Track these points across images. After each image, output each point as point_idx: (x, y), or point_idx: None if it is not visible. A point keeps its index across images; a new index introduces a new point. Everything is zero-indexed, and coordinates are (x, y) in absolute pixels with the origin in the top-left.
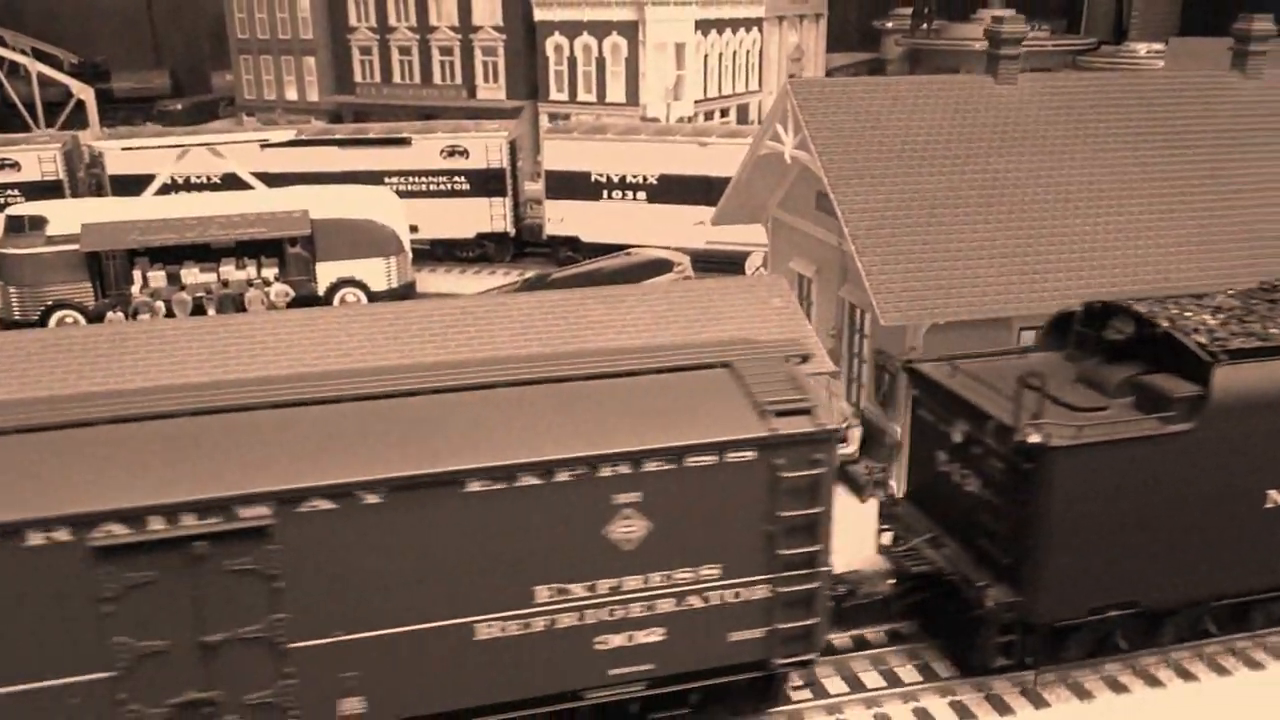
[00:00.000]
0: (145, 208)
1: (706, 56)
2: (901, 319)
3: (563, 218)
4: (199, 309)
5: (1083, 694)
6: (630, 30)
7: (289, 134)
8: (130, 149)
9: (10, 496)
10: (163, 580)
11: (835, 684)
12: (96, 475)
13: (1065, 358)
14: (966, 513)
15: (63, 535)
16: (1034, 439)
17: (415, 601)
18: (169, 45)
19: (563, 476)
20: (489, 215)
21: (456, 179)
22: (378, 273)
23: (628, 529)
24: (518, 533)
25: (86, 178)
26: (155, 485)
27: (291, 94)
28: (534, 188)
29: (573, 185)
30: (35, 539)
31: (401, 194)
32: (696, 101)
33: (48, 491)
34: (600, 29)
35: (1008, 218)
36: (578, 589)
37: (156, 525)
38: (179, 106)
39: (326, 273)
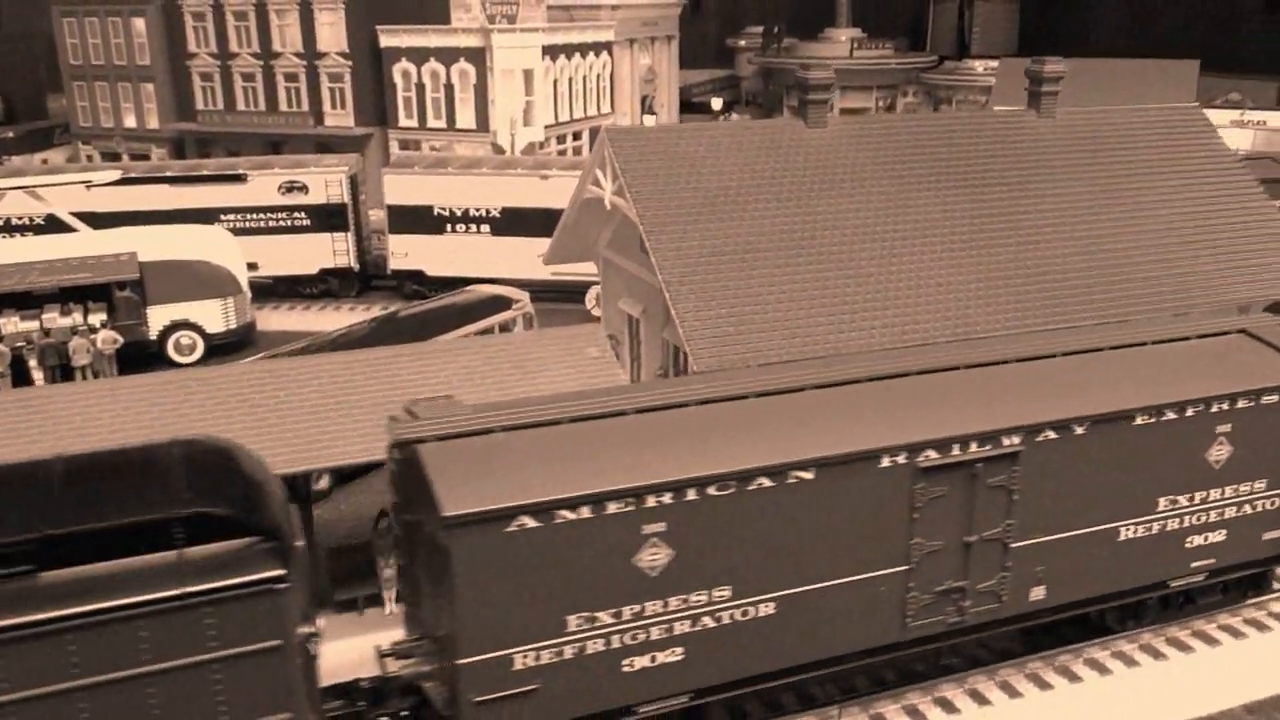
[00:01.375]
0: None
1: (556, 82)
2: (715, 363)
3: (407, 252)
4: (19, 360)
5: None
6: (477, 57)
7: (114, 174)
8: None
9: (863, 430)
10: (949, 494)
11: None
12: (913, 414)
13: None
14: None
15: (902, 459)
16: None
17: (1085, 510)
18: (1, 69)
19: (1189, 412)
20: (331, 251)
21: (296, 215)
22: (214, 314)
23: (1219, 453)
24: (1153, 456)
25: None
26: (943, 423)
27: (130, 121)
28: (381, 217)
29: (416, 219)
30: (885, 462)
31: (239, 231)
32: (547, 127)
33: (887, 425)
34: (447, 55)
35: (818, 260)
36: (1181, 499)
37: (955, 451)
38: (11, 134)
39: (159, 316)
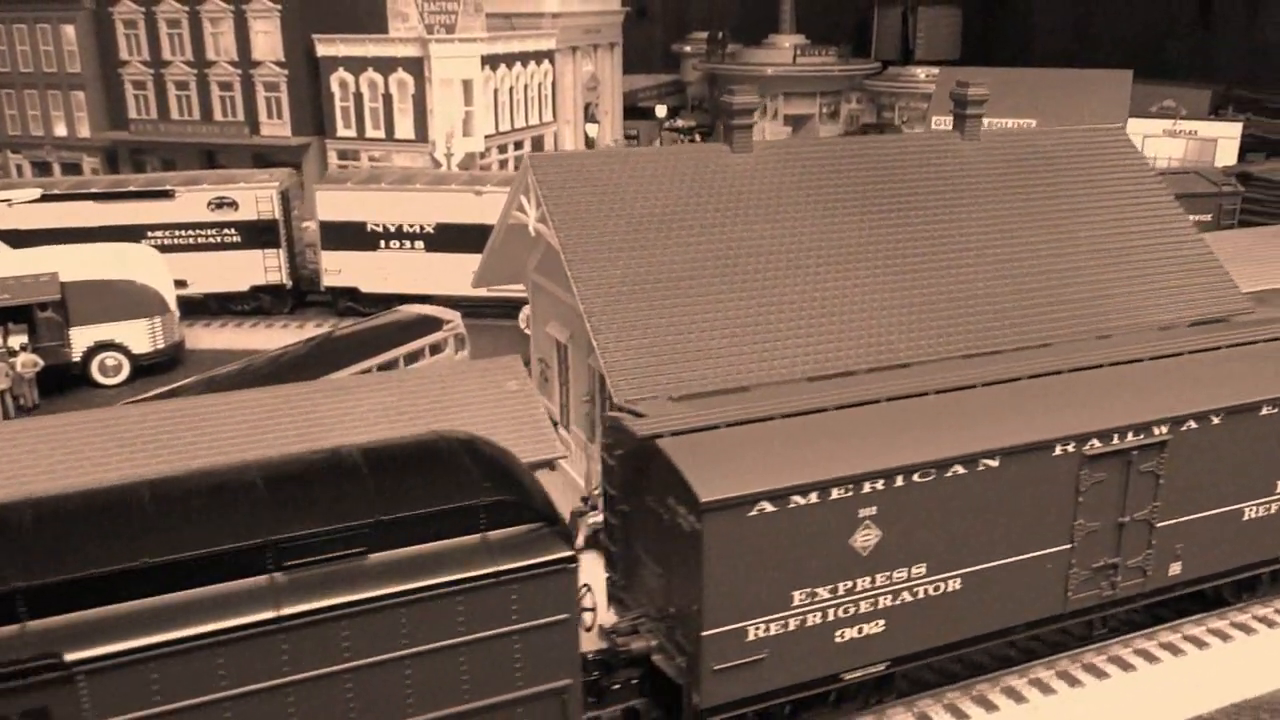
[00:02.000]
0: None
1: (496, 91)
2: (636, 394)
3: (340, 269)
4: None
5: None
6: (416, 66)
7: (34, 192)
8: None
9: (1037, 422)
10: (1108, 479)
11: None
12: (1077, 408)
13: None
14: None
15: (1071, 448)
16: None
17: (1217, 493)
18: None
19: None
20: (263, 267)
21: (226, 231)
22: (140, 334)
23: None
24: (1274, 442)
25: None
26: (1104, 415)
27: (61, 130)
28: (316, 229)
29: (348, 236)
30: (1058, 450)
31: (167, 248)
32: (487, 137)
33: (1057, 418)
34: (385, 65)
35: (743, 288)
36: None
37: (1115, 440)
38: None
39: (82, 338)
